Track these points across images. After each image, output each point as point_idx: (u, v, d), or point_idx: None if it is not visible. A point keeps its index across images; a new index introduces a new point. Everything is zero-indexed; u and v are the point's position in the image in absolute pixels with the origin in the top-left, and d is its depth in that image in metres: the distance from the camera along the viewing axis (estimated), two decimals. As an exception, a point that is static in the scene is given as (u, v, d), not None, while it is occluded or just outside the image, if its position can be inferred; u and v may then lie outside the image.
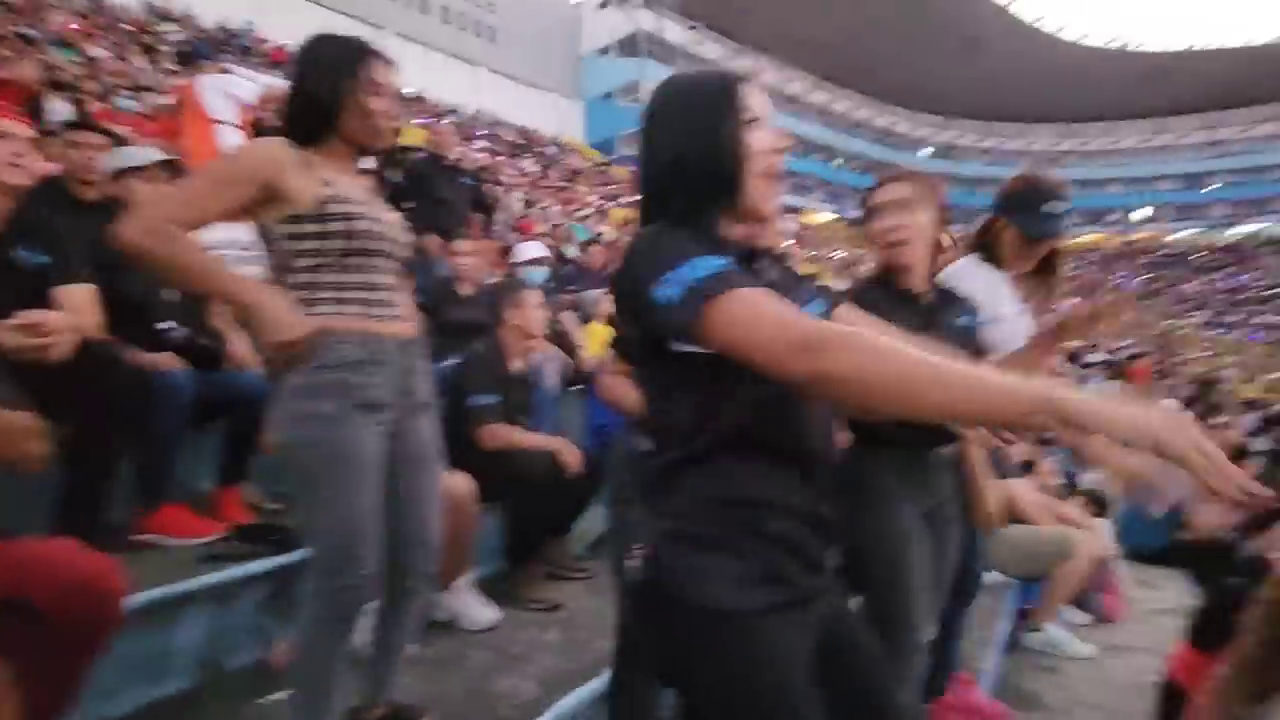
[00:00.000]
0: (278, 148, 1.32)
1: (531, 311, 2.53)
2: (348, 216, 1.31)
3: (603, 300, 4.16)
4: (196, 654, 1.74)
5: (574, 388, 3.60)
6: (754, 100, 0.96)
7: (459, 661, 1.94)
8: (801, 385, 0.78)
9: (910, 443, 1.71)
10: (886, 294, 1.60)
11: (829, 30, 35.24)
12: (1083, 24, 58.55)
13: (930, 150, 45.94)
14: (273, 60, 13.37)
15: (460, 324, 3.18)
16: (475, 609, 2.15)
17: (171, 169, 2.47)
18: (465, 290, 3.59)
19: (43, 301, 1.77)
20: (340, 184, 1.34)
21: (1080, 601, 3.64)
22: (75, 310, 1.80)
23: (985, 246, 1.97)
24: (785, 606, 0.89)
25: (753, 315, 0.80)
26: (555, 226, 9.45)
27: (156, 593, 1.65)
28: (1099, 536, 3.32)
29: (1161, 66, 35.49)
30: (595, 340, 3.96)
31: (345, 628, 1.31)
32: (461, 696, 1.76)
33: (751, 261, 1.02)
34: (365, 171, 1.47)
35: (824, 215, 32.59)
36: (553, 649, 2.05)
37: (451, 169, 3.22)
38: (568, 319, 4.22)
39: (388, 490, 1.38)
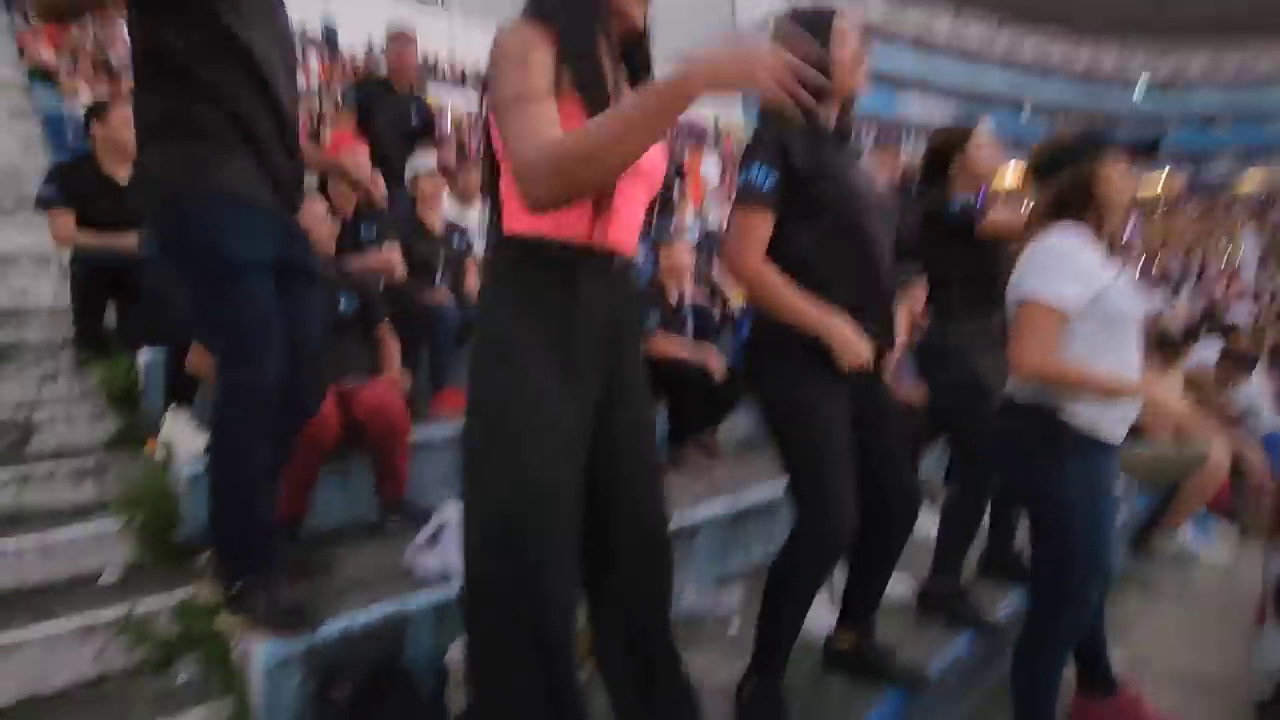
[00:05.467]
0: None
1: (679, 255, 3.31)
2: None
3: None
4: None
5: (725, 325, 4.33)
6: None
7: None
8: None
9: (978, 315, 2.27)
10: None
11: (1012, -34, 31.95)
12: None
13: (1146, 86, 39.74)
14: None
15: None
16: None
17: (446, 173, 3.56)
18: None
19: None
20: None
21: (1231, 514, 3.73)
22: (392, 262, 2.93)
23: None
24: (833, 379, 1.58)
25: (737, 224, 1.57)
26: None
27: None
28: (1225, 449, 3.43)
29: None
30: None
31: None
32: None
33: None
34: None
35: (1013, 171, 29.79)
36: (702, 483, 2.83)
37: None
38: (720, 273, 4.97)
39: None
